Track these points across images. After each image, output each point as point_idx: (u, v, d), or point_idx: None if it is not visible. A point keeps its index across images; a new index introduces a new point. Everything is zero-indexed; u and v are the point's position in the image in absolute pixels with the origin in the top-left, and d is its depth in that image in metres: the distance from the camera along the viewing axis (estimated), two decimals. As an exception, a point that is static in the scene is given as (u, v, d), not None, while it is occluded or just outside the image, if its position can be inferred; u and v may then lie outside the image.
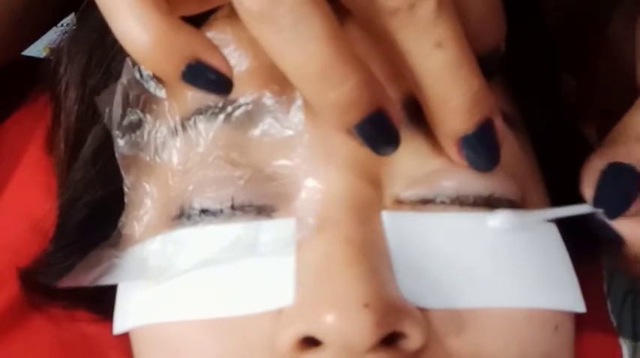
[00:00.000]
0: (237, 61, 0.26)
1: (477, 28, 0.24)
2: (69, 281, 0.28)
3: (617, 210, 0.26)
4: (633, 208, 0.26)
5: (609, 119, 0.40)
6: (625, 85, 0.32)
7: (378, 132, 0.23)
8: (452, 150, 0.25)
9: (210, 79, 0.23)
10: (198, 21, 0.28)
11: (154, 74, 0.27)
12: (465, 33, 0.23)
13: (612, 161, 0.26)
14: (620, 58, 0.34)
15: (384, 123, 0.23)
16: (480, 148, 0.25)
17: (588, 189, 0.26)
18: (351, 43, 0.22)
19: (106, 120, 0.28)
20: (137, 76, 0.27)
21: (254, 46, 0.23)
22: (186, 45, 0.22)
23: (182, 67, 0.22)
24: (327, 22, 0.21)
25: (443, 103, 0.24)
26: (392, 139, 0.24)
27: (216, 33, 0.27)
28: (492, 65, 0.26)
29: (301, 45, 0.21)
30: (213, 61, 0.23)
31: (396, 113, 0.24)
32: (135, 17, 0.22)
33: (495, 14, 0.25)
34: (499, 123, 0.25)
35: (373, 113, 0.23)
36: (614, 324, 0.34)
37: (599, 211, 0.26)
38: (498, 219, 0.26)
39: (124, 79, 0.27)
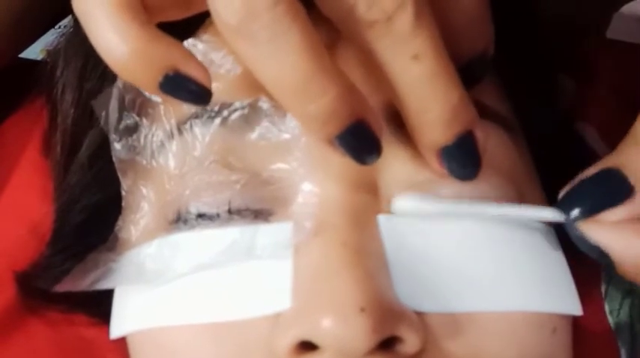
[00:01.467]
0: (232, 65, 0.26)
1: (462, 33, 0.24)
2: (66, 286, 0.28)
3: (582, 213, 0.24)
4: (614, 215, 0.24)
5: (611, 120, 0.40)
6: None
7: (359, 142, 0.23)
8: (432, 160, 0.25)
9: (188, 89, 0.23)
10: (193, 25, 0.28)
11: None
12: (449, 38, 0.23)
13: (603, 167, 0.24)
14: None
15: (365, 134, 0.23)
16: (461, 159, 0.25)
17: (561, 194, 0.25)
18: (331, 55, 0.22)
19: (102, 123, 0.28)
20: None
21: None
22: (163, 55, 0.22)
23: (159, 78, 0.22)
24: (305, 35, 0.21)
25: (422, 114, 0.24)
26: (373, 149, 0.24)
27: (211, 36, 0.27)
28: (480, 70, 0.26)
29: (279, 58, 0.21)
30: (192, 72, 0.23)
31: (377, 122, 0.23)
32: (112, 27, 0.22)
33: (481, 18, 0.25)
34: (479, 134, 0.24)
35: (353, 124, 0.23)
36: (612, 326, 0.34)
37: (558, 216, 0.24)
38: (403, 201, 0.26)
39: (119, 83, 0.27)
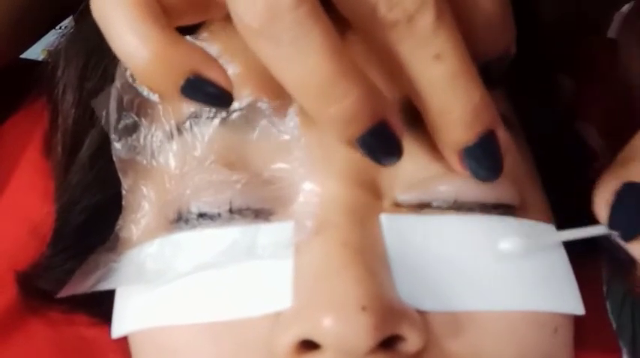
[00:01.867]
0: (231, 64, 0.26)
1: (484, 33, 0.24)
2: (67, 290, 0.28)
3: (633, 232, 0.25)
4: None
5: (611, 120, 0.40)
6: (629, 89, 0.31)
7: (380, 144, 0.23)
8: (454, 160, 0.25)
9: (209, 92, 0.23)
10: (193, 24, 0.28)
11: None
12: (470, 39, 0.23)
13: (626, 181, 0.25)
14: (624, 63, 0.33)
15: (386, 135, 0.23)
16: (482, 159, 0.24)
17: (602, 210, 0.25)
18: (351, 54, 0.22)
19: (103, 123, 0.28)
20: (130, 80, 0.27)
21: (249, 50, 0.22)
22: (184, 59, 0.22)
23: (181, 82, 0.22)
24: (327, 37, 0.21)
25: (443, 115, 0.24)
26: (394, 150, 0.24)
27: (210, 35, 0.27)
28: (501, 70, 0.26)
29: (301, 60, 0.21)
30: (212, 75, 0.23)
31: (398, 124, 0.23)
32: (133, 32, 0.22)
33: (504, 18, 0.25)
34: (502, 134, 0.24)
35: (375, 126, 0.23)
36: (614, 326, 0.34)
37: (614, 233, 0.25)
38: (509, 244, 0.26)
39: (117, 83, 0.27)
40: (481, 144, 0.24)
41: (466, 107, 0.23)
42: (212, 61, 0.23)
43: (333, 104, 0.22)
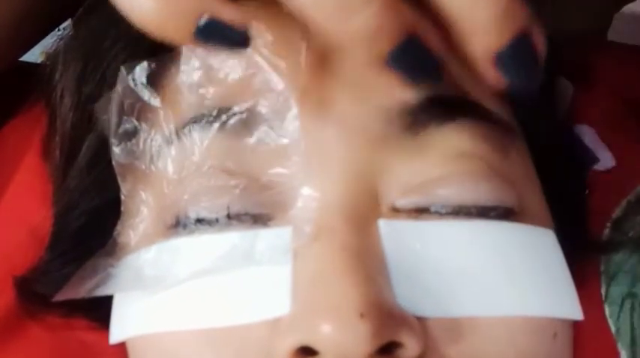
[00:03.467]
0: (230, 69, 0.26)
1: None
2: (64, 294, 0.28)
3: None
4: None
5: (610, 122, 0.40)
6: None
7: (415, 60, 0.21)
8: (489, 71, 0.22)
9: (225, 34, 0.22)
10: None
11: (147, 81, 0.27)
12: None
13: None
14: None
15: (420, 50, 0.21)
16: (518, 63, 0.21)
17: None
18: None
19: (104, 127, 0.28)
20: (131, 84, 0.27)
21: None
22: (194, 2, 0.21)
23: (194, 27, 0.21)
24: None
25: (471, 21, 0.21)
26: (432, 67, 0.21)
27: None
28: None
29: None
30: (226, 15, 0.21)
31: (434, 38, 0.21)
32: None
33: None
34: (537, 39, 0.21)
35: (406, 40, 0.21)
36: (613, 330, 0.34)
37: None
38: None
39: (118, 87, 0.27)
40: (515, 46, 0.21)
41: (494, 9, 0.21)
42: (224, 1, 0.22)
43: (353, 15, 0.20)
